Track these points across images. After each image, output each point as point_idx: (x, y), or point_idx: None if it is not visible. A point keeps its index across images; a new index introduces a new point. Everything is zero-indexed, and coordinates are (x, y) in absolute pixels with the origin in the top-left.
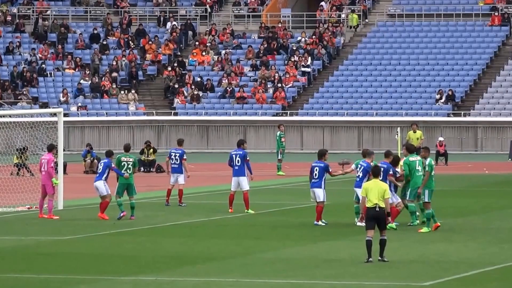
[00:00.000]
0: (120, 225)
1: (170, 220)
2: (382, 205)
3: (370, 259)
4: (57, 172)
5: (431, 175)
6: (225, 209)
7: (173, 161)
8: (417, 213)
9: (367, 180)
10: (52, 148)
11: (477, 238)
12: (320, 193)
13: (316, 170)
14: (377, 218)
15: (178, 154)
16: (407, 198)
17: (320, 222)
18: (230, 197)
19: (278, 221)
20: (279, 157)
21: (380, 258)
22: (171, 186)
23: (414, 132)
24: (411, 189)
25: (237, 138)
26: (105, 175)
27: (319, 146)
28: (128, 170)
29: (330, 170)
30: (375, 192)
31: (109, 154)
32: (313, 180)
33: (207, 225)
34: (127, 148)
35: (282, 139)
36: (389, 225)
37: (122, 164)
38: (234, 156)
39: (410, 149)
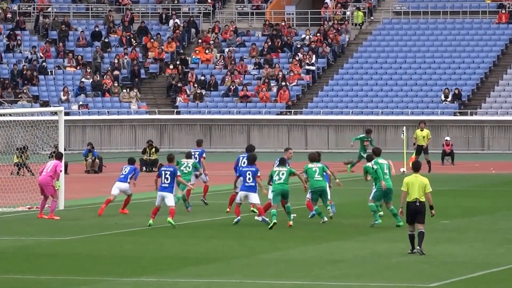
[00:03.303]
0: (121, 226)
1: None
2: (423, 199)
3: (414, 250)
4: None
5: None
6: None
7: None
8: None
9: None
10: (60, 157)
11: (483, 238)
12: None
13: (249, 174)
14: (417, 212)
15: (197, 153)
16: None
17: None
18: (231, 197)
19: (282, 221)
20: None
21: (418, 247)
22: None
23: (421, 130)
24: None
25: (241, 137)
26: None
27: (324, 146)
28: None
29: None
30: (417, 186)
31: (132, 161)
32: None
33: (210, 226)
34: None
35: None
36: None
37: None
38: (241, 158)
39: (376, 152)
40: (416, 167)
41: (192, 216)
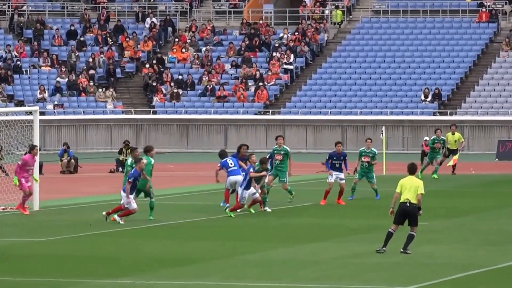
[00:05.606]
0: (96, 227)
1: (152, 221)
2: (414, 201)
3: (383, 248)
4: (27, 172)
5: None
6: (207, 209)
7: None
8: None
9: None
10: (33, 148)
11: (465, 240)
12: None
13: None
14: (407, 213)
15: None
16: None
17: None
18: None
19: (263, 222)
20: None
21: (402, 250)
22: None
23: (453, 134)
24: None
25: (218, 137)
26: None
27: (302, 146)
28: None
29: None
30: (410, 188)
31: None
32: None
33: (189, 226)
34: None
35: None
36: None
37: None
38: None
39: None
40: (411, 170)
41: (170, 217)
